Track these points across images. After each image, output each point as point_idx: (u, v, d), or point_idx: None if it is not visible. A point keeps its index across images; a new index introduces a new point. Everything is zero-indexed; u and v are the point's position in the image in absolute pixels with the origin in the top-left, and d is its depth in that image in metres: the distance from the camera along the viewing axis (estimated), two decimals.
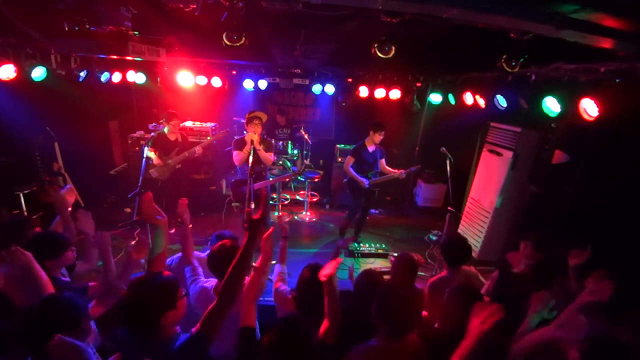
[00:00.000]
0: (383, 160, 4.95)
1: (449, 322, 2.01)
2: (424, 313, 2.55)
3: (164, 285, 1.63)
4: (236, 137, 4.55)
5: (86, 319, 1.77)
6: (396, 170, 4.81)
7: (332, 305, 1.84)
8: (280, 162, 6.06)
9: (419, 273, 3.02)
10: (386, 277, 3.51)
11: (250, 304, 1.82)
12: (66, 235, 2.56)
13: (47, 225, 2.69)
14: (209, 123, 6.46)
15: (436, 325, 2.17)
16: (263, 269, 2.03)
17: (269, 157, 4.41)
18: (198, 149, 4.93)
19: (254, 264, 1.99)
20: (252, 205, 4.07)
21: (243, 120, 4.52)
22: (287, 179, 4.89)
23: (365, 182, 4.72)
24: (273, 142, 4.75)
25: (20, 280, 1.96)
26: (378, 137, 4.75)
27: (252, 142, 4.05)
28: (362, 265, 4.69)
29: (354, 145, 4.97)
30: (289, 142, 6.67)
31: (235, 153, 4.35)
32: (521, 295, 2.24)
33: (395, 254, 4.85)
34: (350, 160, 4.83)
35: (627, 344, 1.63)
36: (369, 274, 2.46)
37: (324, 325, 1.83)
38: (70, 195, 2.86)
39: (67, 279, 2.40)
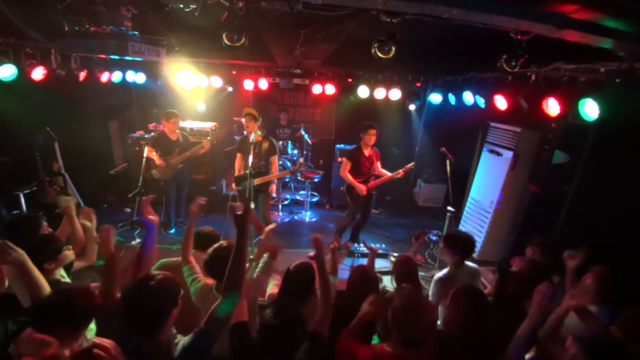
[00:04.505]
0: (378, 163, 4.80)
1: (453, 323, 2.00)
2: None
3: (169, 284, 1.63)
4: (236, 137, 4.56)
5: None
6: (394, 173, 4.65)
7: (324, 286, 1.90)
8: (280, 162, 6.06)
9: (419, 273, 3.01)
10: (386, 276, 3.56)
11: (243, 300, 1.81)
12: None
13: (49, 225, 2.68)
14: (209, 123, 6.47)
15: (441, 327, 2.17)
16: (266, 267, 2.05)
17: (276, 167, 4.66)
18: (205, 143, 4.95)
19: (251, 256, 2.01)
20: (252, 205, 4.09)
21: (243, 120, 4.55)
22: (282, 176, 4.90)
23: (363, 188, 4.55)
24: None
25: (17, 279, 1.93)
26: (369, 138, 4.53)
27: (252, 139, 4.09)
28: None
29: (349, 147, 4.86)
30: (289, 142, 6.68)
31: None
32: (521, 293, 2.25)
33: (396, 254, 4.86)
34: (347, 165, 4.61)
35: (620, 342, 1.63)
36: (362, 269, 2.48)
37: (317, 314, 1.85)
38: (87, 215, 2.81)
39: (67, 280, 2.39)
